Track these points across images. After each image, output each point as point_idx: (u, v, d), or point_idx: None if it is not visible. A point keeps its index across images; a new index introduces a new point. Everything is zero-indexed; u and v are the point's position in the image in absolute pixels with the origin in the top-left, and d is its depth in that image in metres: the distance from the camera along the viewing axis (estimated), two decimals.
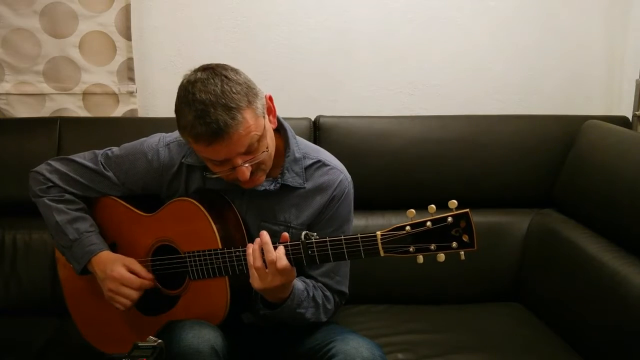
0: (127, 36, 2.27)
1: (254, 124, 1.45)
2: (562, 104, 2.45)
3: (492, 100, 2.44)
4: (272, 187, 1.60)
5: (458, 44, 2.40)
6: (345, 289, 1.69)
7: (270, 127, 1.54)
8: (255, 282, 1.45)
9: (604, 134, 2.06)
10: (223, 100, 1.40)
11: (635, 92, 2.34)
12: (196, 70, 1.48)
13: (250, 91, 1.46)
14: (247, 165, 1.47)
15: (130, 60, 2.30)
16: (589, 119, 2.17)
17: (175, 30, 2.33)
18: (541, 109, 2.40)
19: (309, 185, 1.63)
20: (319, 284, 1.63)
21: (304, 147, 1.67)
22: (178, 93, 1.47)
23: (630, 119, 2.32)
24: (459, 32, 2.39)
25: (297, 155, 1.62)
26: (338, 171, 1.66)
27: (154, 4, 2.32)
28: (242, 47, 2.36)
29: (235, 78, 1.45)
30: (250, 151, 1.46)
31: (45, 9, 2.23)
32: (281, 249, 1.42)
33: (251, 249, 1.44)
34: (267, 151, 1.50)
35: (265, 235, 1.44)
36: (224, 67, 1.48)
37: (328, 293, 1.64)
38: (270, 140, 1.53)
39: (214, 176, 1.53)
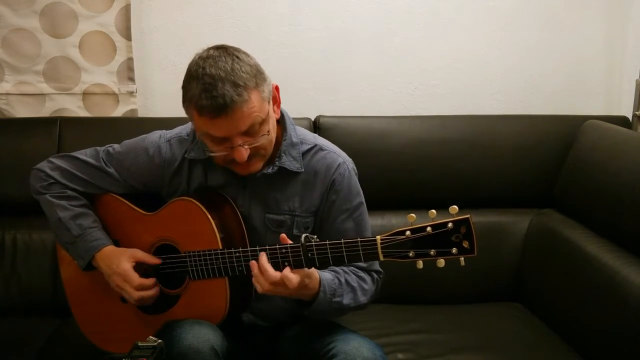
0: (127, 36, 2.27)
1: (259, 105, 1.46)
2: (562, 104, 2.44)
3: (492, 100, 2.44)
4: (269, 170, 1.59)
5: (458, 44, 2.40)
6: (379, 267, 1.65)
7: (273, 116, 1.55)
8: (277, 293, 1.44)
9: (604, 134, 2.06)
10: (232, 77, 1.42)
11: (635, 92, 2.34)
12: (209, 48, 1.50)
13: (259, 74, 1.48)
14: (245, 147, 1.47)
15: (130, 60, 2.30)
16: (589, 119, 2.17)
17: (175, 30, 2.34)
18: (541, 109, 2.40)
19: (307, 170, 1.62)
20: (350, 268, 1.60)
21: (302, 134, 1.67)
22: (188, 68, 1.48)
23: (630, 119, 2.32)
24: (459, 32, 2.39)
25: (295, 139, 1.62)
26: (335, 155, 1.65)
27: (154, 4, 2.32)
28: (241, 47, 2.31)
29: (246, 60, 1.48)
30: (251, 132, 1.47)
31: (45, 9, 2.23)
32: (268, 268, 1.41)
33: (256, 270, 1.43)
34: (268, 135, 1.50)
35: (262, 258, 1.42)
36: (237, 48, 1.51)
37: (362, 274, 1.61)
38: (272, 127, 1.54)
39: (212, 154, 1.53)
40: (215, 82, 1.41)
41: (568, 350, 1.84)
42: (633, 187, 1.79)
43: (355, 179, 1.67)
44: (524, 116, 2.32)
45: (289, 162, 1.61)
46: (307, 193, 1.63)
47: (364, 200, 1.67)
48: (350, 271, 1.60)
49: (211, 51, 1.48)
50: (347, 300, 1.56)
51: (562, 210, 2.16)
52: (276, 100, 1.57)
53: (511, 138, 2.23)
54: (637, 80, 2.34)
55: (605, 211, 1.92)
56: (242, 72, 1.44)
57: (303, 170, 1.62)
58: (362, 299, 1.60)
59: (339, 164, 1.63)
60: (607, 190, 1.90)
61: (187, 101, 1.47)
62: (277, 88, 1.57)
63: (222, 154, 1.51)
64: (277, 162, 1.60)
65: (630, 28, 2.42)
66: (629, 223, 1.81)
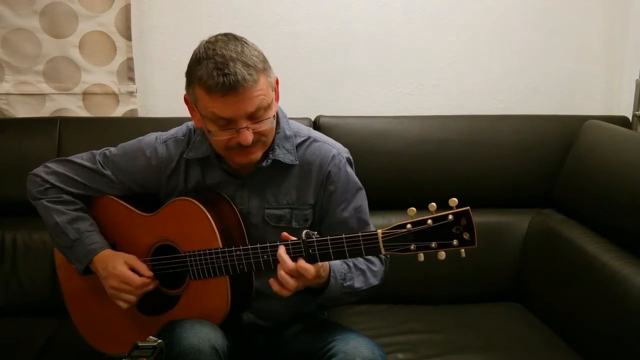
0: (127, 36, 2.28)
1: (265, 89, 1.48)
2: (562, 104, 2.45)
3: (492, 100, 2.45)
4: (264, 163, 1.60)
5: (458, 44, 2.40)
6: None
7: (275, 105, 1.56)
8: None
9: (604, 134, 2.06)
10: (243, 58, 1.45)
11: (635, 92, 2.34)
12: (216, 35, 1.51)
13: (266, 61, 1.51)
14: (250, 129, 1.48)
15: (130, 60, 2.30)
16: (589, 119, 2.17)
17: (175, 30, 2.34)
18: (541, 109, 2.40)
19: (302, 162, 1.63)
20: None
21: (296, 127, 1.68)
22: (194, 52, 1.49)
23: (630, 119, 2.32)
24: (459, 32, 2.39)
25: (288, 132, 1.63)
26: (329, 146, 1.66)
27: (154, 4, 2.32)
28: None
29: (253, 46, 1.51)
30: (256, 116, 1.48)
31: (45, 9, 2.23)
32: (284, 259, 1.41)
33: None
34: (272, 119, 1.52)
35: (280, 249, 1.43)
36: (243, 37, 1.53)
37: (369, 256, 1.61)
38: (275, 113, 1.55)
39: (216, 138, 1.52)
40: (226, 62, 1.43)
41: (568, 350, 1.84)
42: (633, 187, 1.79)
43: (351, 169, 1.68)
44: (524, 116, 2.32)
45: (283, 155, 1.61)
46: (304, 185, 1.63)
47: (361, 185, 1.68)
48: None
49: (219, 37, 1.50)
50: (358, 283, 1.56)
51: (562, 210, 2.16)
52: (276, 93, 1.58)
53: (511, 138, 2.23)
54: (637, 80, 2.34)
55: (605, 211, 1.92)
56: (252, 55, 1.47)
57: (297, 162, 1.62)
58: (373, 280, 1.60)
59: (334, 155, 1.64)
60: (607, 190, 1.90)
61: (194, 82, 1.47)
62: (277, 82, 1.58)
63: (225, 138, 1.50)
64: (271, 156, 1.60)
65: (630, 28, 2.42)
66: (629, 223, 1.81)
